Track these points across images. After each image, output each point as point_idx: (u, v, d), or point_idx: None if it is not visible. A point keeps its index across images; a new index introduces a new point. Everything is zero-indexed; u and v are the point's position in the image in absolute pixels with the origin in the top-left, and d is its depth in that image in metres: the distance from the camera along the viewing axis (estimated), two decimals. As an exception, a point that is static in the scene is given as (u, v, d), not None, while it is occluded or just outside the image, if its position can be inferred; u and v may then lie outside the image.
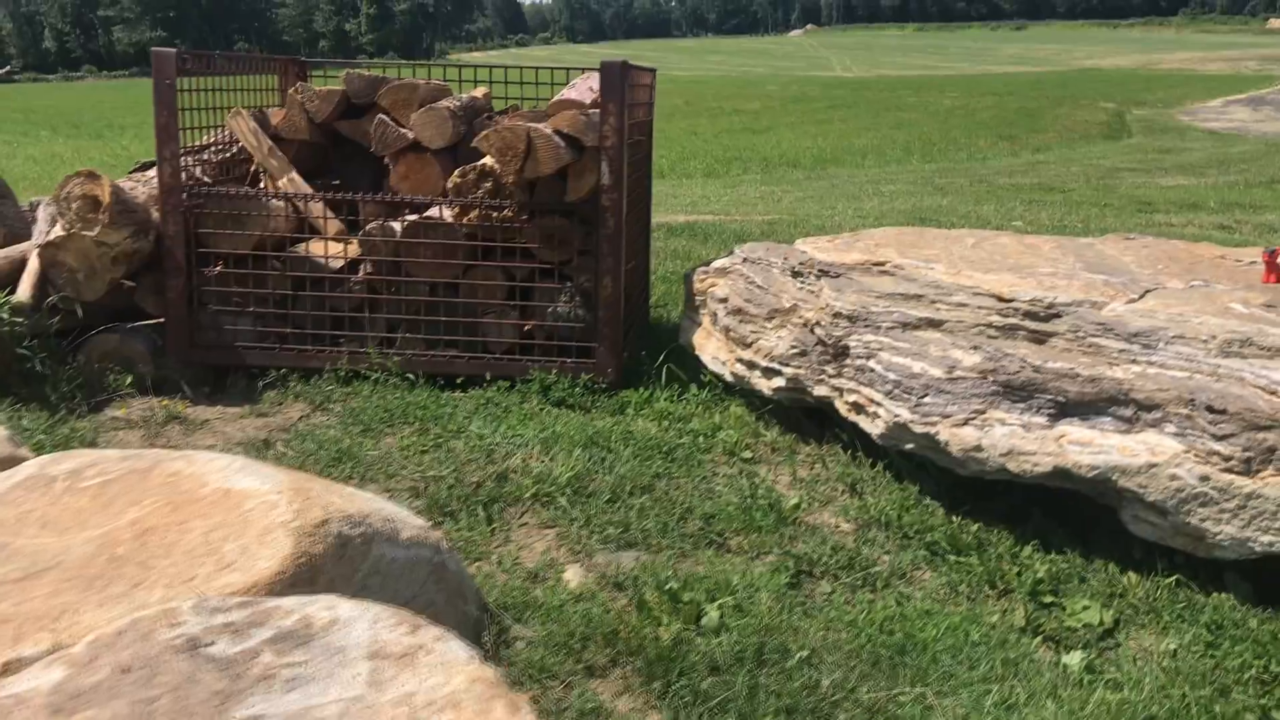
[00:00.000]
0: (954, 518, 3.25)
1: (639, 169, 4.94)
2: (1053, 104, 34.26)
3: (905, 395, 3.23)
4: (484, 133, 4.16)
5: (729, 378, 4.01)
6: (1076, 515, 3.22)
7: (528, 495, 3.25)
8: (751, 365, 3.85)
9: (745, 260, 4.10)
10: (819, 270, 3.74)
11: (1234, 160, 17.25)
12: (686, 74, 60.07)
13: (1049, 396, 3.01)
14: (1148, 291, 3.15)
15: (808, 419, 3.85)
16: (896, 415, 3.25)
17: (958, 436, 3.10)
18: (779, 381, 3.73)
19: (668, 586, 2.66)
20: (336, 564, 2.10)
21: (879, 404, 3.32)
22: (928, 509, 3.30)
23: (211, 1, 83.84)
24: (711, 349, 4.11)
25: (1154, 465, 2.82)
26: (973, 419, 3.10)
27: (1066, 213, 11.07)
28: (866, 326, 3.41)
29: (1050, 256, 3.62)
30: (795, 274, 3.85)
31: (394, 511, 2.38)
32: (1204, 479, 2.75)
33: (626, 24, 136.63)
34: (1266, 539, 2.69)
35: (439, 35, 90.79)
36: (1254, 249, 3.65)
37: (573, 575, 2.82)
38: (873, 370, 3.34)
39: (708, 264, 4.31)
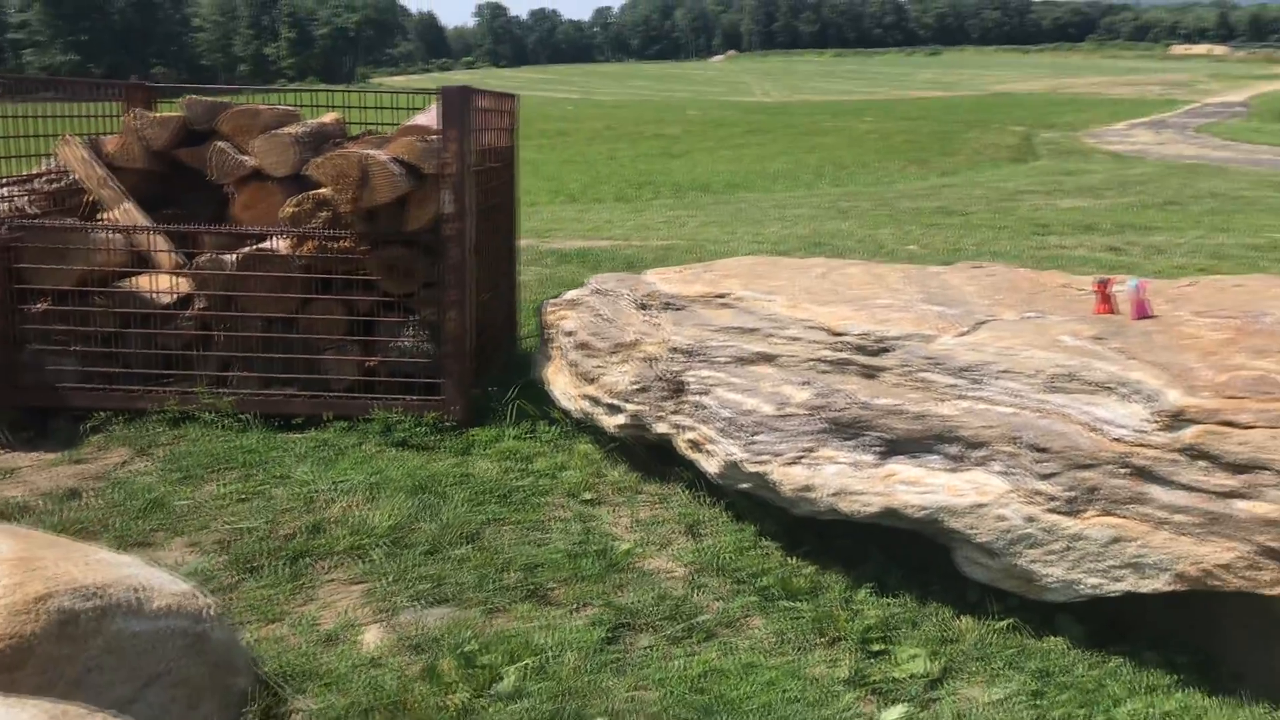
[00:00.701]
0: (791, 559, 3.12)
1: (497, 196, 4.78)
2: (965, 128, 34.87)
3: (738, 433, 3.09)
4: (316, 160, 3.97)
5: (577, 414, 3.85)
6: (917, 554, 3.10)
7: (341, 547, 3.05)
8: (596, 401, 3.69)
9: (595, 292, 3.95)
10: (663, 302, 3.60)
11: (1132, 182, 17.60)
12: (610, 98, 60.20)
13: (877, 434, 2.89)
14: (980, 324, 3.06)
15: (655, 457, 3.70)
16: (730, 454, 3.11)
17: (788, 476, 2.97)
18: (621, 419, 3.58)
19: (465, 649, 2.49)
20: (56, 644, 1.89)
21: (714, 442, 3.19)
22: (765, 551, 3.16)
23: (126, 24, 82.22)
24: (561, 384, 3.95)
25: (981, 505, 2.71)
26: (803, 457, 2.98)
27: (963, 235, 11.12)
28: (703, 361, 3.27)
29: (894, 287, 3.53)
30: (642, 306, 3.70)
31: (147, 578, 2.17)
32: (1030, 519, 2.65)
33: (550, 49, 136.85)
34: (1093, 581, 2.59)
35: (360, 60, 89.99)
36: (1116, 275, 3.59)
37: (371, 637, 2.63)
38: (708, 407, 3.20)
39: (558, 296, 4.15)
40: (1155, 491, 2.48)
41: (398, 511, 3.23)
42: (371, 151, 3.98)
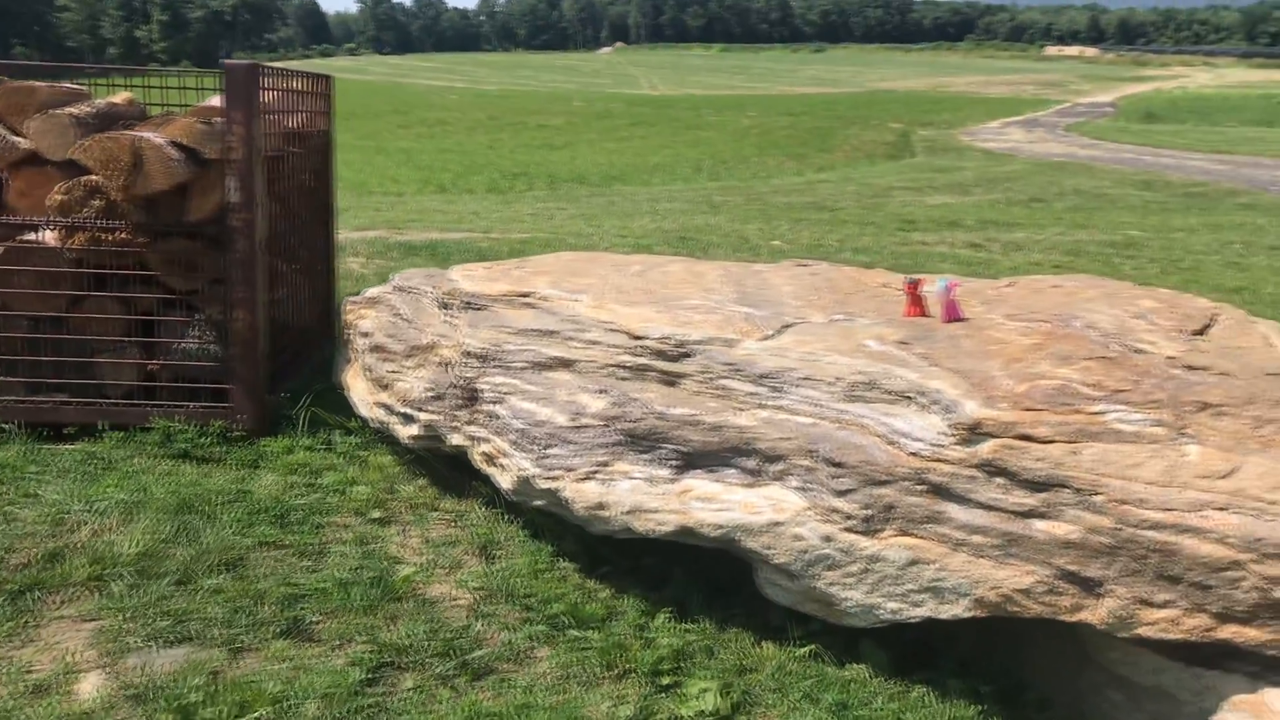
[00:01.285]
0: (589, 582, 2.88)
1: (308, 184, 4.44)
2: (844, 124, 35.29)
3: (531, 445, 2.84)
4: (83, 143, 3.58)
5: (375, 423, 3.54)
6: (725, 573, 2.89)
7: (79, 578, 2.70)
8: (390, 410, 3.39)
9: (397, 289, 3.65)
10: (464, 301, 3.32)
11: (1001, 179, 17.90)
12: (495, 88, 59.48)
13: (673, 446, 2.67)
14: (787, 326, 2.85)
15: (454, 469, 3.42)
16: (523, 468, 2.85)
17: (581, 493, 2.72)
18: (415, 429, 3.29)
19: (187, 700, 2.17)
20: None
21: (508, 455, 2.92)
22: (561, 573, 2.91)
23: (-15, 2, 78.08)
24: (359, 390, 3.64)
25: (778, 524, 2.50)
26: (597, 472, 2.73)
27: (829, 231, 11.09)
28: (498, 367, 3.00)
29: (709, 286, 3.31)
30: (443, 306, 3.42)
31: None
32: (827, 539, 2.44)
33: (435, 36, 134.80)
34: (892, 606, 2.40)
35: (238, 45, 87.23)
36: (927, 275, 3.43)
37: (89, 686, 2.30)
38: (501, 417, 2.94)
39: (359, 293, 3.83)
40: (953, 510, 2.29)
41: (152, 535, 2.89)
42: (146, 134, 3.61)
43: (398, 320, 3.50)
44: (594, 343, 2.91)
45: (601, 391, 2.80)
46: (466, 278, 3.46)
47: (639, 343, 2.84)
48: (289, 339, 4.21)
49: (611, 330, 2.92)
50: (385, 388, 3.41)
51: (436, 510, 3.26)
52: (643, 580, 2.89)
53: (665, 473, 2.67)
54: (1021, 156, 22.84)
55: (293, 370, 4.18)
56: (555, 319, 3.05)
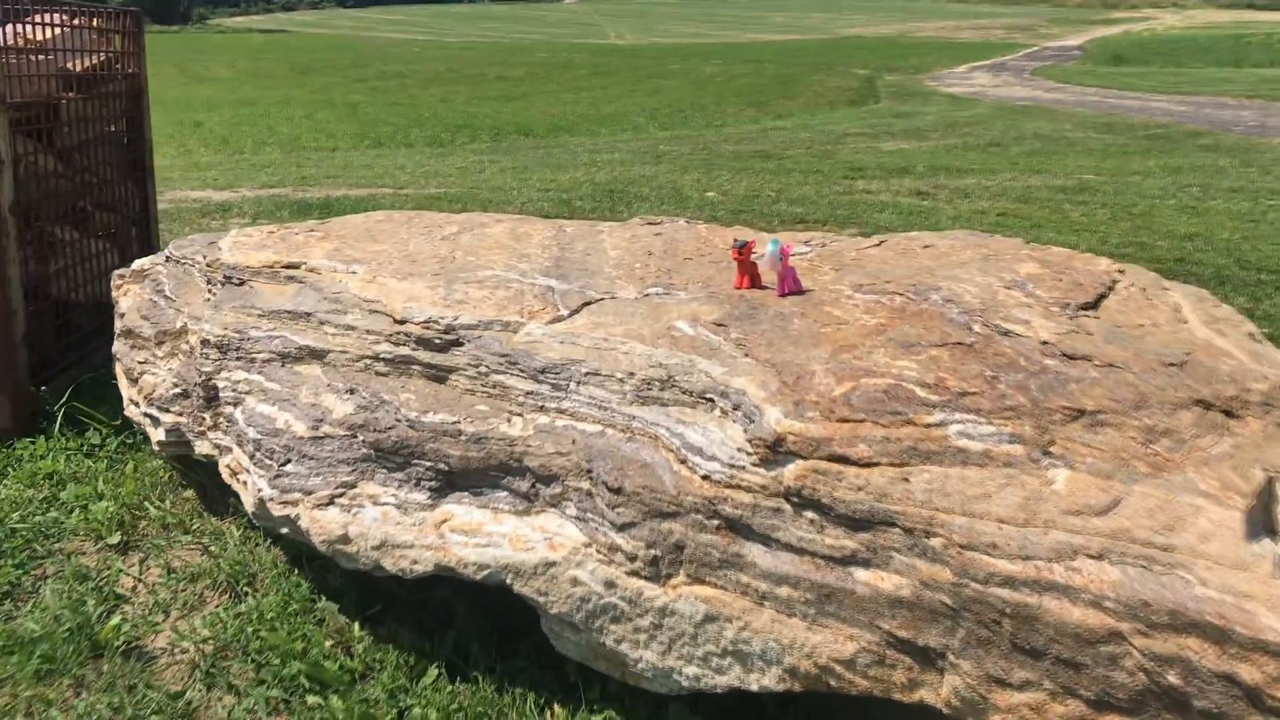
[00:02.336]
0: (352, 626, 2.29)
1: (112, 136, 3.79)
2: (809, 71, 34.55)
3: (268, 460, 2.25)
4: None
5: (136, 423, 2.94)
6: (518, 613, 2.31)
7: None
8: (138, 407, 2.79)
9: (169, 259, 3.03)
10: (224, 275, 2.71)
11: (961, 124, 17.31)
12: (458, 40, 58.31)
13: (429, 463, 2.08)
14: (588, 304, 2.26)
15: (221, 482, 2.82)
16: (259, 489, 2.26)
17: (320, 522, 2.14)
18: (161, 433, 2.69)
19: None
20: None
21: (247, 471, 2.33)
22: (318, 615, 2.34)
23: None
24: (121, 382, 3.02)
25: (552, 564, 1.92)
26: (340, 496, 2.14)
27: (768, 180, 10.52)
28: (239, 359, 2.40)
29: (526, 252, 2.71)
30: (208, 280, 2.80)
31: None
32: (610, 585, 1.87)
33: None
34: (691, 671, 1.83)
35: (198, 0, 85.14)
36: (781, 235, 2.85)
37: None
38: (237, 423, 2.34)
39: (128, 265, 3.21)
40: (754, 553, 1.72)
41: None
42: None
43: (158, 299, 2.89)
44: (349, 328, 2.32)
45: (350, 392, 2.20)
46: (234, 245, 2.85)
47: (400, 328, 2.24)
48: (80, 318, 3.59)
49: (374, 312, 2.33)
50: (134, 381, 2.81)
51: (190, 533, 2.67)
52: (419, 623, 2.31)
53: (421, 496, 2.09)
54: (986, 101, 22.23)
55: (83, 356, 3.57)
56: (315, 297, 2.45)
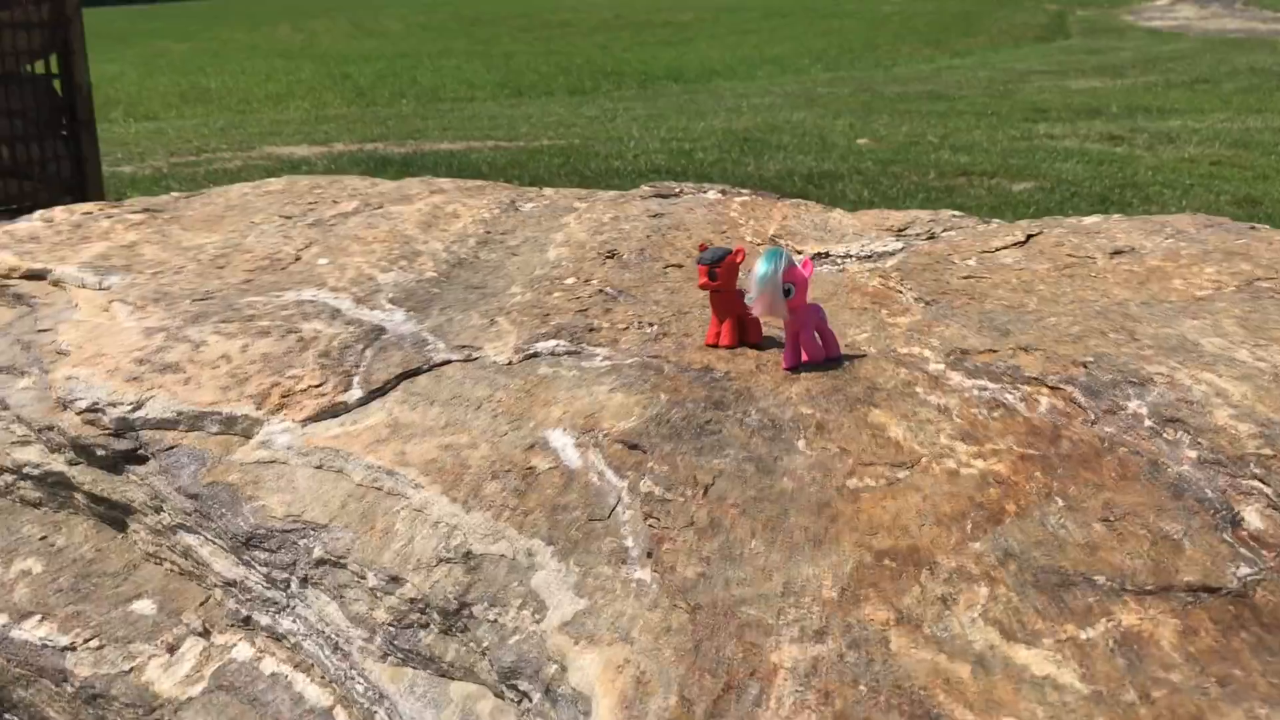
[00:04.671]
0: None
1: None
2: (995, 6, 32.13)
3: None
4: None
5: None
6: None
7: None
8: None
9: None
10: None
11: (1162, 59, 15.31)
12: (629, -15, 57.49)
13: None
14: (407, 376, 1.22)
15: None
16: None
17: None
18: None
19: None
20: None
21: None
22: None
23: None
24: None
25: None
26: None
27: (933, 125, 9.21)
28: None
29: (417, 250, 1.77)
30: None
31: None
32: None
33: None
34: None
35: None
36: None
37: None
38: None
39: None
40: None
41: None
42: None
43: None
44: None
45: None
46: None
47: (59, 419, 1.23)
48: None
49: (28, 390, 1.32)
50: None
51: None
52: None
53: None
54: (1191, 34, 19.86)
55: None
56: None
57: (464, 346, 1.29)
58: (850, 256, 1.56)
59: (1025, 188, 6.28)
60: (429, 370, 1.24)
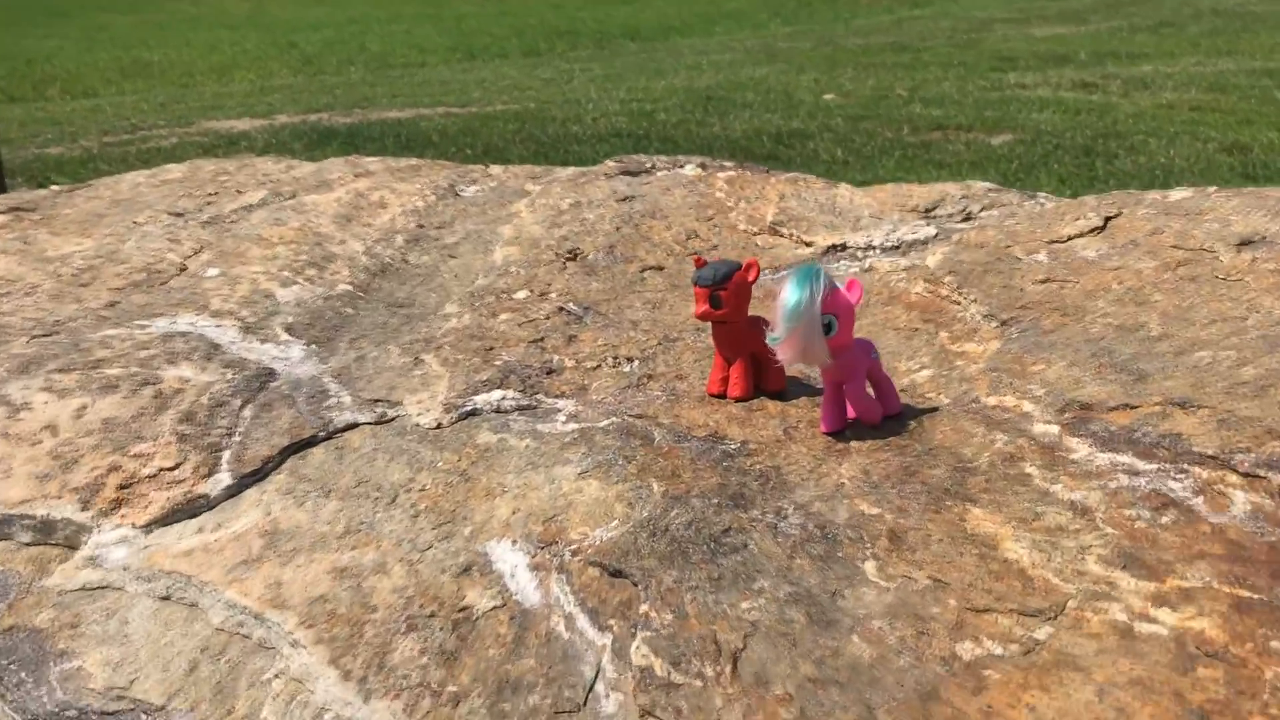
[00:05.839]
0: None
1: None
2: (953, -48, 31.78)
3: None
4: None
5: None
6: None
7: None
8: None
9: None
10: None
11: (1124, 4, 15.04)
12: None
13: None
14: (295, 450, 0.88)
15: None
16: None
17: None
18: None
19: None
20: None
21: None
22: None
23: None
24: None
25: None
26: None
27: (901, 77, 8.88)
28: None
29: (332, 251, 1.41)
30: None
31: None
32: None
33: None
34: None
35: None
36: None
37: None
38: None
39: None
40: None
41: None
42: None
43: None
44: None
45: None
46: None
47: None
48: None
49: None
50: None
51: None
52: None
53: None
54: (1155, -26, 19.57)
55: None
56: None
57: (377, 401, 0.97)
58: (874, 249, 1.24)
59: (1005, 140, 5.99)
60: (327, 439, 0.91)
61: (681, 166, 1.78)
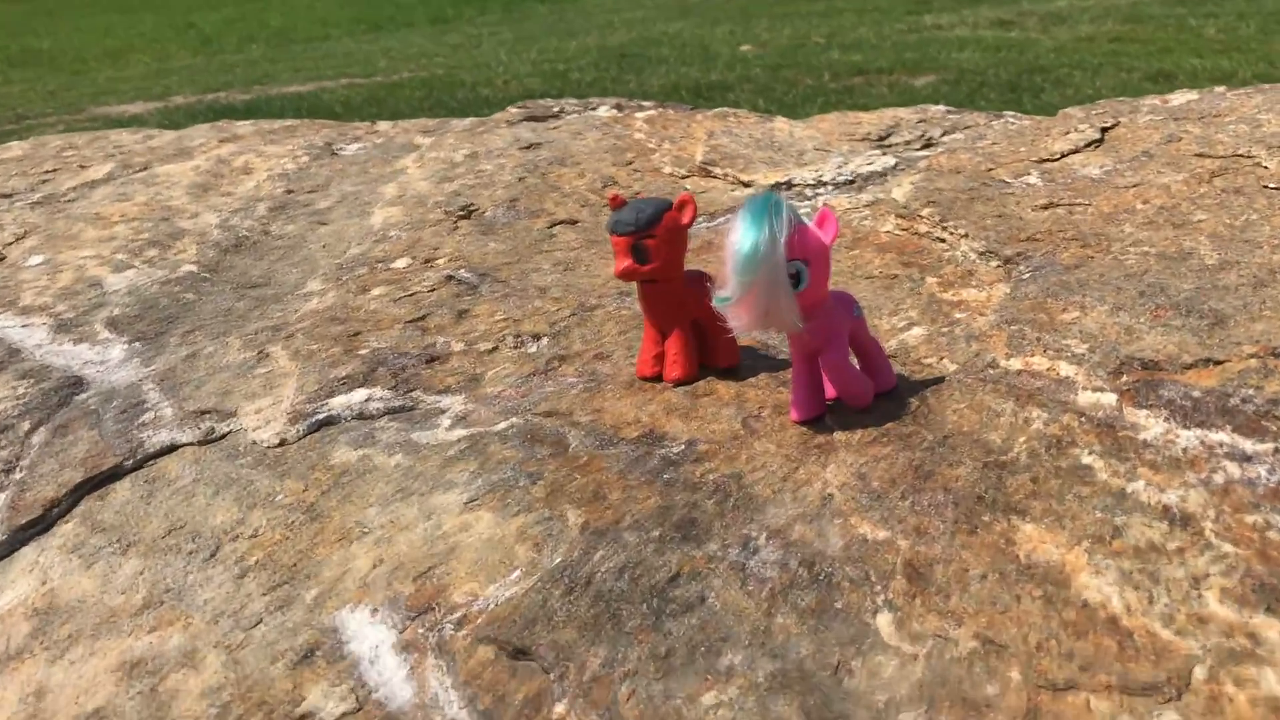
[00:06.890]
0: None
1: None
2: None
3: None
4: None
5: None
6: None
7: None
8: None
9: None
10: None
11: (1038, -62, 15.02)
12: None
13: None
14: (72, 503, 0.62)
15: None
16: None
17: None
18: None
19: None
20: None
21: None
22: None
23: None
24: None
25: None
26: None
27: (815, 25, 8.79)
28: None
29: (181, 227, 1.17)
30: None
31: None
32: None
33: None
34: None
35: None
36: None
37: None
38: None
39: None
40: None
41: None
42: None
43: None
44: None
45: None
46: None
47: None
48: None
49: None
50: None
51: None
52: None
53: None
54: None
55: None
56: None
57: (205, 412, 0.74)
58: (825, 185, 1.03)
59: (929, 81, 5.85)
60: (135, 470, 0.68)
61: (594, 108, 1.55)
